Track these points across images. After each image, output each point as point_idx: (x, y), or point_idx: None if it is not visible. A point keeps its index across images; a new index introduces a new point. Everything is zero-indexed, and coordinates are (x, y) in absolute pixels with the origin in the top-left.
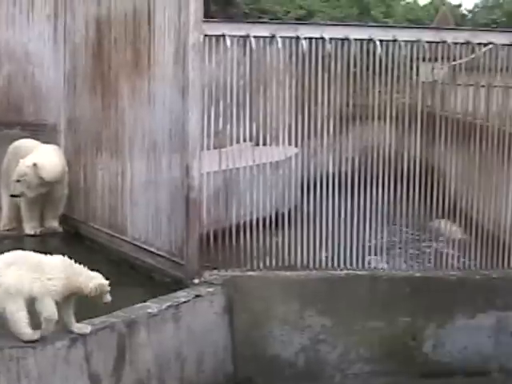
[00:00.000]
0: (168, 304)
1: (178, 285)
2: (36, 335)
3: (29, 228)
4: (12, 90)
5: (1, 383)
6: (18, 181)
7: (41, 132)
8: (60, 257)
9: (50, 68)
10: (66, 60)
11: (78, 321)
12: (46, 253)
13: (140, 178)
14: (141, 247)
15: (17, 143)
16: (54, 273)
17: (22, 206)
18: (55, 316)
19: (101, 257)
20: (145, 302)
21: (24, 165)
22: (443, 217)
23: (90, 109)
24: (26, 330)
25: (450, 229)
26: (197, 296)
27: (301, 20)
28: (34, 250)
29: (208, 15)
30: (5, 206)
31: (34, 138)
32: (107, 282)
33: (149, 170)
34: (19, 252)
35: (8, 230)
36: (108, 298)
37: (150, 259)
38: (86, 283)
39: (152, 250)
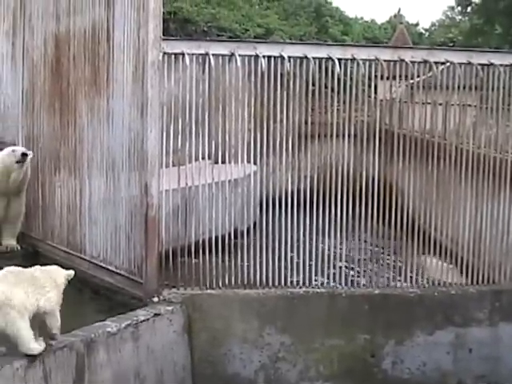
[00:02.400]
0: (127, 323)
1: (137, 303)
2: (42, 347)
3: None
4: None
5: None
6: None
7: None
8: (39, 267)
9: (8, 85)
10: (25, 77)
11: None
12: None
13: (99, 196)
14: (99, 265)
15: None
16: (48, 284)
17: None
18: None
19: None
20: (104, 320)
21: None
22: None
23: (49, 127)
24: (36, 345)
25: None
26: (156, 315)
27: (259, 38)
28: None
29: (167, 33)
30: None
31: None
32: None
33: (107, 188)
34: (8, 268)
35: None
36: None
37: (109, 278)
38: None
39: (111, 268)
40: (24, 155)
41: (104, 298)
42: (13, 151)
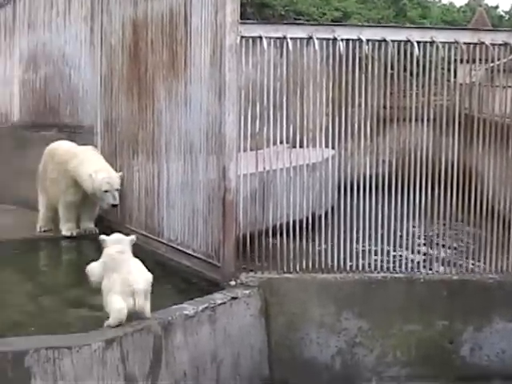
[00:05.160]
0: (204, 306)
1: (214, 287)
2: None
3: (65, 229)
4: (49, 92)
5: None
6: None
7: (77, 134)
8: None
9: (86, 70)
10: (103, 62)
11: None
12: (82, 254)
13: (176, 180)
14: (177, 249)
15: (53, 145)
16: None
17: (59, 207)
18: None
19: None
20: (181, 303)
21: (117, 176)
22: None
23: (127, 111)
24: None
25: None
26: (233, 298)
27: (337, 22)
28: (71, 252)
29: (244, 17)
30: (42, 208)
31: (70, 140)
32: None
33: (185, 172)
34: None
35: (45, 232)
36: None
37: (186, 261)
38: None
39: (188, 251)
40: (114, 206)
41: (181, 280)
42: (105, 192)
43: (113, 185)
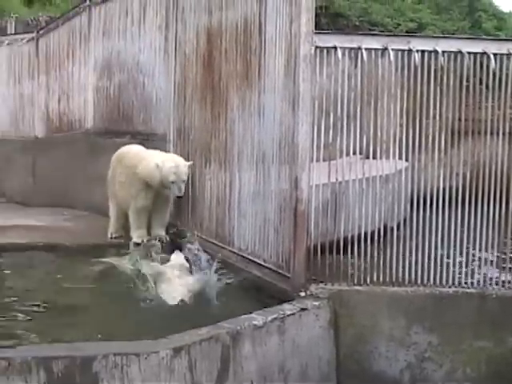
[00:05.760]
0: (273, 316)
1: (283, 297)
2: None
3: (136, 236)
4: (122, 100)
5: None
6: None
7: (150, 141)
8: None
9: (160, 78)
10: (177, 70)
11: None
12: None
13: (248, 189)
14: (247, 258)
15: (122, 149)
16: None
17: (129, 214)
18: None
19: None
20: (250, 313)
21: (185, 165)
22: None
23: (200, 119)
24: None
25: None
26: (302, 309)
27: (411, 33)
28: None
29: (318, 27)
30: (112, 215)
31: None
32: None
33: (257, 182)
34: None
35: (115, 238)
36: None
37: (256, 271)
38: None
39: (258, 261)
40: (178, 197)
41: (250, 290)
42: (172, 182)
43: (180, 175)
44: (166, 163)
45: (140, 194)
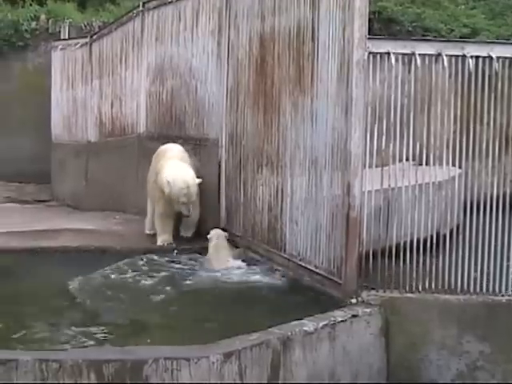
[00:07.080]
0: (324, 323)
1: (334, 304)
2: None
3: (160, 241)
4: (175, 105)
5: None
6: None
7: (202, 146)
8: None
9: (212, 83)
10: (229, 75)
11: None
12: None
13: (300, 195)
14: (298, 264)
15: (159, 149)
16: None
17: (155, 217)
18: None
19: None
20: (301, 319)
21: (195, 185)
22: None
23: (252, 124)
24: None
25: None
26: (353, 316)
27: (465, 38)
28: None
29: (371, 33)
30: (149, 212)
31: (195, 153)
32: None
33: (309, 187)
34: None
35: (154, 235)
36: None
37: (308, 277)
38: None
39: (310, 267)
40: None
41: (302, 296)
42: (179, 202)
43: (190, 197)
44: (177, 183)
45: (160, 201)
